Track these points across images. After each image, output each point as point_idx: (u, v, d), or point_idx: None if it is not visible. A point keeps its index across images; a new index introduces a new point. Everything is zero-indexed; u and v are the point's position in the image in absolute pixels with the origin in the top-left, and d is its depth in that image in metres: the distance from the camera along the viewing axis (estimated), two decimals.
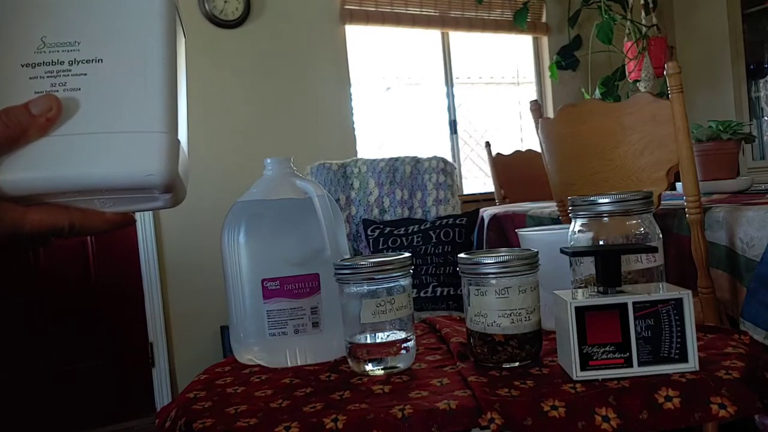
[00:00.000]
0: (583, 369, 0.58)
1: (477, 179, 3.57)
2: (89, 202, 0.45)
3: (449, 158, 3.27)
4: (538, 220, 1.75)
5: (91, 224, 0.44)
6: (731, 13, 3.72)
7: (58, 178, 0.42)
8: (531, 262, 0.65)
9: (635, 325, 0.58)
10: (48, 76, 0.43)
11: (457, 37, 3.50)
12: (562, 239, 0.74)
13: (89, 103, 0.43)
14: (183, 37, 0.51)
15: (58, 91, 0.43)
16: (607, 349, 0.58)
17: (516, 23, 3.44)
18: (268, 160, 0.80)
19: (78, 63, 0.44)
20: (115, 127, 0.43)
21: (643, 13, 3.26)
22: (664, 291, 0.60)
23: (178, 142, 0.45)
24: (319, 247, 0.74)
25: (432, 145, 3.41)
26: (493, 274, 0.64)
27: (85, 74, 0.44)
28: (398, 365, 0.68)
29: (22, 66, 0.43)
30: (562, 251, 0.66)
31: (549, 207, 1.78)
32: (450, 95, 3.48)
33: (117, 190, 0.44)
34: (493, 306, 0.64)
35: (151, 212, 2.61)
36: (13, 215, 0.41)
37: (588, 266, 0.70)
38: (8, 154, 0.41)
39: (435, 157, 2.32)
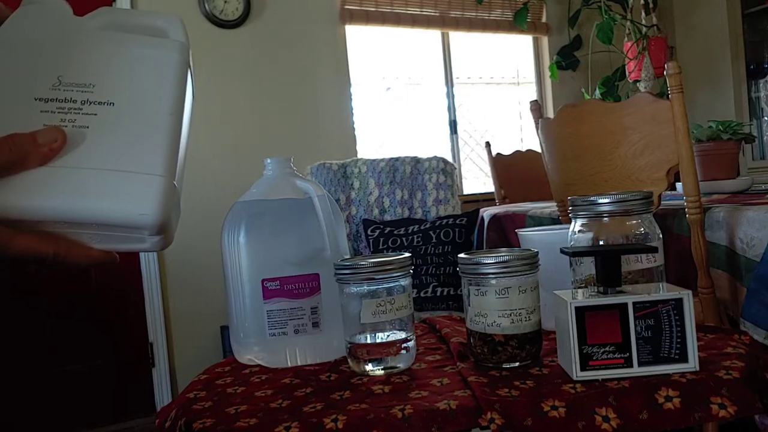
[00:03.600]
0: (583, 369, 0.58)
1: (477, 179, 3.57)
2: (78, 235, 0.46)
3: (449, 158, 3.27)
4: (538, 220, 1.75)
5: (75, 257, 0.45)
6: (731, 13, 3.72)
7: (52, 207, 0.43)
8: (531, 262, 0.65)
9: (635, 325, 0.58)
10: (59, 112, 0.45)
11: (457, 37, 3.50)
12: (562, 239, 0.74)
13: (94, 140, 0.45)
14: (192, 96, 0.54)
15: (66, 126, 0.44)
16: (607, 349, 0.58)
17: (516, 23, 3.44)
18: (268, 160, 0.80)
19: (90, 104, 0.46)
20: (116, 165, 0.44)
21: (643, 13, 3.27)
22: (664, 291, 0.60)
23: (175, 187, 0.46)
24: (319, 247, 0.74)
25: (432, 145, 3.41)
26: (493, 274, 0.64)
27: (95, 114, 0.45)
28: (398, 365, 0.68)
29: (36, 99, 0.45)
30: (562, 251, 0.66)
31: (549, 207, 1.78)
32: (450, 95, 3.48)
33: (109, 225, 0.44)
34: (493, 306, 0.64)
35: None
36: (0, 237, 0.41)
37: (588, 266, 0.70)
38: (7, 178, 0.42)
39: (435, 157, 2.32)
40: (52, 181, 0.43)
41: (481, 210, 2.11)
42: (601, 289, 0.62)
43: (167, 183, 0.45)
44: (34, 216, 0.42)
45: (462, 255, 0.68)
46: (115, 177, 0.44)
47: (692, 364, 0.58)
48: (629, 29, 3.25)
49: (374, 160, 2.27)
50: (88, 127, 0.45)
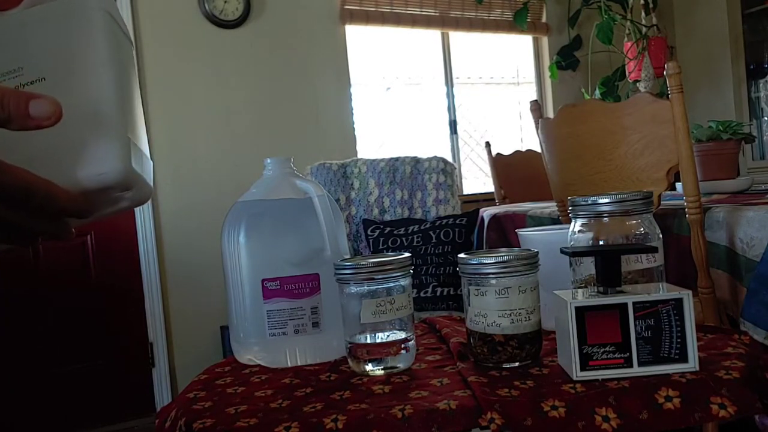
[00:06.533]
0: (583, 369, 0.58)
1: (477, 179, 3.57)
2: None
3: (449, 158, 3.27)
4: (538, 220, 1.75)
5: (59, 196, 0.41)
6: (731, 13, 3.72)
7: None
8: (531, 262, 0.65)
9: (635, 325, 0.58)
10: None
11: (457, 37, 3.50)
12: (562, 239, 0.74)
13: None
14: (130, 44, 0.52)
15: None
16: (607, 349, 0.58)
17: (516, 23, 3.44)
18: (268, 160, 0.80)
19: (22, 86, 0.45)
20: (64, 136, 0.43)
21: (643, 13, 3.27)
22: (664, 291, 0.60)
23: (128, 139, 0.45)
24: (319, 247, 0.74)
25: (432, 145, 3.41)
26: (493, 274, 0.64)
27: None
28: (398, 365, 0.68)
29: None
30: (562, 251, 0.66)
31: (549, 207, 1.78)
32: (450, 95, 3.48)
33: (79, 191, 0.43)
34: (493, 306, 0.64)
35: (150, 211, 2.61)
36: None
37: (588, 266, 0.70)
38: None
39: (435, 157, 2.32)
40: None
41: (481, 210, 2.11)
42: (601, 289, 0.62)
43: (118, 137, 0.44)
44: None
45: (462, 255, 0.68)
46: (65, 148, 0.43)
47: (692, 364, 0.58)
48: (629, 29, 3.25)
49: (374, 160, 2.27)
50: None
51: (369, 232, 2.11)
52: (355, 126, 3.12)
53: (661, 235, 0.72)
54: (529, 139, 3.67)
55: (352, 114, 3.10)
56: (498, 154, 2.62)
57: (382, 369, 0.67)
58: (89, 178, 0.43)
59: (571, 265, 0.72)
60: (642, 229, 0.70)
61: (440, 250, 2.02)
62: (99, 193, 0.44)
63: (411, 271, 0.69)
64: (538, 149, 1.67)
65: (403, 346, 0.68)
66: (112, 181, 0.43)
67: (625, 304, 0.58)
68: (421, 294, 1.98)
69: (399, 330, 0.68)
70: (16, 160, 0.40)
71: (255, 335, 0.75)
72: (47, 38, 0.47)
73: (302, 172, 0.89)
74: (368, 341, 0.68)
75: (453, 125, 3.49)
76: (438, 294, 1.97)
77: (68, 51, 0.46)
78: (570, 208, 0.74)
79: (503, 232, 1.95)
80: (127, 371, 2.59)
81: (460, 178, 3.48)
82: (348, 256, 0.76)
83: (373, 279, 0.66)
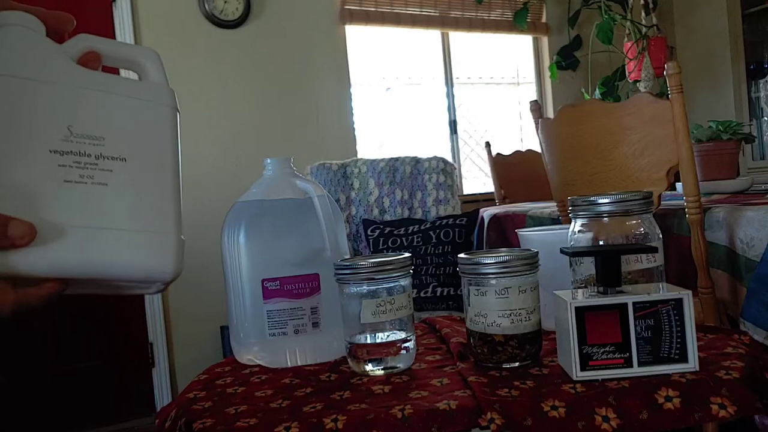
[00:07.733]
0: (583, 369, 0.58)
1: (477, 179, 3.57)
2: (85, 287, 0.49)
3: (449, 158, 3.27)
4: (538, 220, 1.75)
5: (29, 302, 0.43)
6: (731, 13, 3.72)
7: (79, 266, 0.44)
8: (531, 262, 0.65)
9: (635, 326, 0.58)
10: (76, 167, 0.45)
11: (457, 37, 3.50)
12: (562, 239, 0.74)
13: (113, 199, 0.46)
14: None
15: (86, 183, 0.45)
16: (607, 349, 0.58)
17: (516, 23, 3.45)
18: (268, 160, 0.80)
19: (104, 158, 0.46)
20: (134, 225, 0.47)
21: (643, 13, 3.27)
22: (664, 291, 0.60)
23: (183, 241, 0.49)
24: (319, 247, 0.74)
25: (432, 145, 3.41)
26: (493, 274, 0.64)
27: (111, 171, 0.46)
28: (398, 365, 0.68)
29: (51, 152, 0.44)
30: (562, 251, 0.66)
31: (549, 207, 1.78)
32: (450, 95, 3.48)
33: (129, 281, 0.48)
34: (493, 306, 0.64)
35: None
36: None
37: (588, 266, 0.69)
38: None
39: (435, 157, 2.32)
40: (81, 241, 0.44)
41: (481, 210, 2.11)
42: (601, 289, 0.62)
43: (178, 239, 0.49)
44: (61, 273, 0.44)
45: (462, 255, 0.68)
46: (135, 237, 0.46)
47: (692, 364, 0.58)
48: (629, 29, 3.25)
49: (374, 160, 2.27)
50: (107, 185, 0.46)
51: (369, 232, 2.11)
52: (355, 126, 3.12)
53: (661, 235, 0.72)
54: (529, 139, 3.67)
55: (352, 114, 3.10)
56: (498, 154, 2.62)
57: (382, 369, 0.67)
58: (151, 272, 0.47)
59: (571, 265, 0.72)
60: (642, 229, 0.70)
61: (440, 250, 2.02)
62: (148, 282, 0.48)
63: (411, 271, 0.69)
64: (538, 149, 1.67)
65: (403, 346, 0.68)
66: (168, 279, 0.48)
67: (625, 304, 0.58)
68: (421, 294, 1.98)
69: (399, 330, 0.68)
70: (94, 247, 0.44)
71: (255, 335, 0.75)
72: (128, 118, 0.48)
73: (302, 172, 0.89)
74: (368, 341, 0.68)
75: (453, 125, 3.49)
76: (438, 294, 1.97)
77: (145, 140, 0.49)
78: (570, 208, 0.74)
79: (503, 232, 1.95)
80: (127, 371, 2.59)
81: (460, 178, 3.48)
82: (348, 256, 0.76)
83: (373, 279, 0.66)
